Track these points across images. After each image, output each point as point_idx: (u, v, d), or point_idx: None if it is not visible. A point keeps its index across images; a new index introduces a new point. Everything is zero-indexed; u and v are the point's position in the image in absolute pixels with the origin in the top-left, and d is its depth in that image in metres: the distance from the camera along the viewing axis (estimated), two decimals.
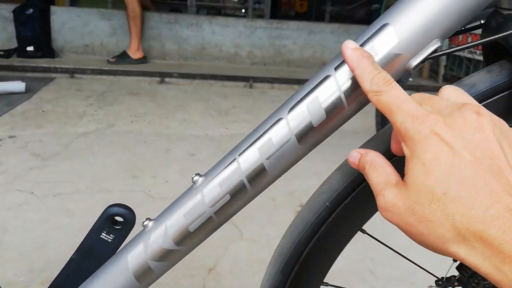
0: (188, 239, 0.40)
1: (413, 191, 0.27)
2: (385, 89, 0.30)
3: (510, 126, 0.41)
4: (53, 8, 3.64)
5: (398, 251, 0.53)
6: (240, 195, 0.38)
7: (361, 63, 0.32)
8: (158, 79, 3.29)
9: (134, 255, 0.41)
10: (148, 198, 1.51)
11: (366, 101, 0.37)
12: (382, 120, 1.50)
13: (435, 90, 3.41)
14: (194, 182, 0.40)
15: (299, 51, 3.97)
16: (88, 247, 0.48)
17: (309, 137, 0.37)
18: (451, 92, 0.32)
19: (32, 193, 1.50)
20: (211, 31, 3.85)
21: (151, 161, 1.84)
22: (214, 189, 0.38)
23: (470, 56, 3.36)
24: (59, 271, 0.48)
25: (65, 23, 3.67)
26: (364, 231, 0.46)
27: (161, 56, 3.85)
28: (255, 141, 0.38)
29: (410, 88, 3.24)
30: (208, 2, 4.93)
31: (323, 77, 0.37)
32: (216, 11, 4.93)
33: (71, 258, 0.48)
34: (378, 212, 0.45)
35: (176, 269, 1.17)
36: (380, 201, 0.29)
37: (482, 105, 0.38)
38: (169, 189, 1.59)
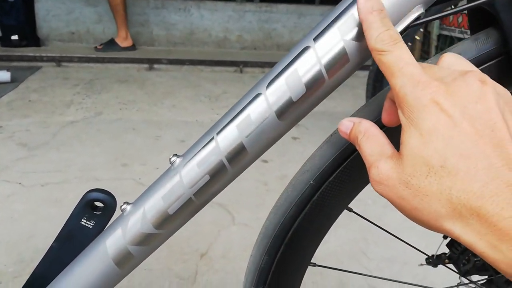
0: (168, 222, 0.38)
1: (409, 163, 0.25)
2: (389, 49, 0.28)
3: None
4: None
5: (389, 231, 0.52)
6: (219, 175, 0.37)
7: (370, 17, 0.30)
8: (146, 65, 3.24)
9: (113, 240, 0.40)
10: (138, 185, 1.50)
11: (347, 74, 0.36)
12: (374, 88, 1.47)
13: None
14: (171, 163, 0.39)
15: (289, 34, 3.92)
16: (68, 234, 0.47)
17: (289, 112, 0.36)
18: (453, 60, 0.30)
19: (19, 183, 1.48)
20: (199, 15, 3.78)
21: (140, 148, 1.82)
22: (192, 169, 0.37)
23: (461, 36, 3.34)
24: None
25: (49, 10, 3.58)
26: (350, 210, 0.45)
27: (149, 42, 3.78)
28: (233, 118, 0.37)
29: None
30: None
31: (302, 49, 0.35)
32: None
33: (51, 245, 0.46)
34: (365, 191, 0.44)
35: (168, 255, 1.16)
36: (373, 173, 0.28)
37: None
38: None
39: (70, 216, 0.47)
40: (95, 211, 0.47)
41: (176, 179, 0.37)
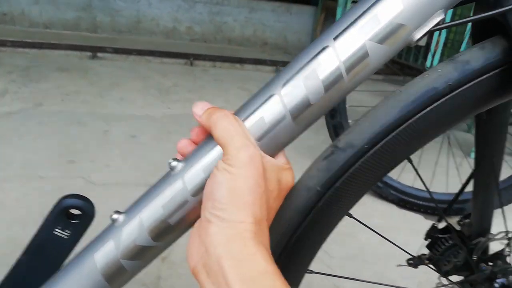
0: (168, 234, 0.35)
1: None
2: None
3: (505, 102, 0.41)
4: None
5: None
6: None
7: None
8: (89, 53, 3.04)
9: (103, 253, 0.35)
10: (89, 184, 1.39)
11: (365, 76, 0.34)
12: (335, 128, 1.52)
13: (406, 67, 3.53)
14: (171, 168, 0.35)
15: (240, 29, 3.89)
16: (39, 247, 0.41)
17: (305, 114, 0.34)
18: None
19: None
20: (147, 3, 3.63)
21: (87, 144, 1.70)
22: (197, 175, 0.34)
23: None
24: (3, 277, 0.41)
25: None
26: (350, 215, 0.44)
27: (92, 29, 3.56)
28: (244, 119, 0.34)
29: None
30: None
31: (321, 48, 0.33)
32: None
33: (18, 260, 0.40)
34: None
35: None
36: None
37: (475, 83, 0.37)
38: (111, 174, 1.48)
39: (41, 225, 0.41)
40: (71, 219, 0.42)
41: (179, 185, 0.34)
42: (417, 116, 0.37)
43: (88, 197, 0.42)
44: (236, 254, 0.28)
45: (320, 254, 1.26)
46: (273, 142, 0.34)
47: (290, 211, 0.40)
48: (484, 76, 0.37)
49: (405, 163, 0.42)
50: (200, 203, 0.33)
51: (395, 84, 3.38)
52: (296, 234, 0.40)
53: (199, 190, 0.34)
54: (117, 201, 1.27)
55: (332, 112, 1.49)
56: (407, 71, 3.41)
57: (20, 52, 2.89)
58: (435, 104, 0.37)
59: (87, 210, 0.42)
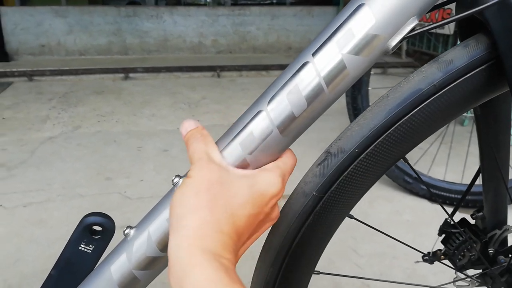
0: None
1: None
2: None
3: (501, 96, 0.41)
4: (2, 9, 3.45)
5: (381, 229, 0.53)
6: None
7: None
8: (122, 75, 3.19)
9: (118, 265, 0.39)
10: (124, 199, 1.47)
11: (347, 86, 0.36)
12: (354, 108, 1.51)
13: (400, 66, 3.47)
14: (174, 184, 0.38)
15: (264, 36, 3.94)
16: (67, 261, 0.46)
17: (292, 127, 0.36)
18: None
19: (0, 205, 1.43)
20: (172, 22, 3.75)
21: (123, 160, 1.79)
22: None
23: (440, 31, 3.43)
24: None
25: (17, 24, 3.48)
26: (352, 217, 0.46)
27: (123, 51, 3.73)
28: (236, 136, 0.36)
29: (375, 65, 3.28)
30: None
31: (301, 64, 0.35)
32: (175, 0, 4.81)
33: (49, 274, 0.45)
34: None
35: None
36: None
37: (461, 81, 0.38)
38: (145, 188, 1.56)
39: (68, 242, 0.46)
40: (94, 235, 0.46)
41: None
42: (405, 118, 0.38)
43: (108, 214, 0.47)
44: (183, 263, 0.28)
45: (348, 252, 1.25)
46: (264, 155, 0.36)
47: (289, 217, 0.42)
48: (470, 74, 0.38)
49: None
50: None
51: None
52: (297, 238, 0.42)
53: None
54: None
55: (354, 96, 1.48)
56: None
57: (59, 80, 3.08)
58: (422, 105, 0.38)
59: (108, 226, 0.46)
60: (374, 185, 0.43)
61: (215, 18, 3.82)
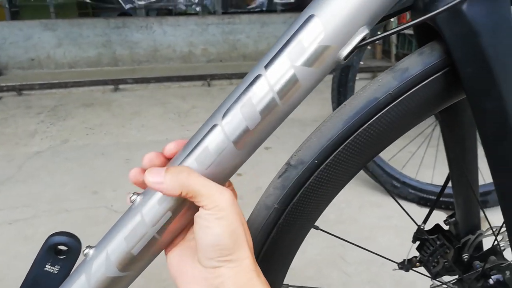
0: (133, 263, 0.37)
1: None
2: None
3: (452, 105, 0.41)
4: None
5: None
6: (182, 211, 0.36)
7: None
8: (111, 87, 3.18)
9: (77, 287, 0.38)
10: (111, 213, 1.46)
11: (301, 98, 0.36)
12: (339, 93, 1.52)
13: None
14: (132, 202, 0.38)
15: (254, 44, 3.95)
16: (33, 282, 0.45)
17: (247, 140, 0.36)
18: None
19: None
20: (162, 32, 3.76)
21: (110, 173, 1.78)
22: (153, 207, 0.36)
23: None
24: None
25: (6, 38, 3.48)
26: (317, 228, 0.45)
27: (113, 63, 3.72)
28: (191, 151, 0.36)
29: (365, 70, 3.29)
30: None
31: (254, 77, 0.35)
32: (166, 10, 4.81)
33: None
34: (340, 194, 0.44)
35: (145, 284, 1.11)
36: None
37: (417, 89, 0.38)
38: None
39: (33, 262, 0.45)
40: (59, 255, 0.45)
41: (138, 218, 0.36)
42: (363, 127, 0.38)
43: (74, 234, 0.46)
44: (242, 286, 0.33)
45: (336, 259, 1.24)
46: (220, 169, 0.36)
47: (252, 230, 0.42)
48: (425, 81, 0.38)
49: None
50: (159, 232, 0.36)
51: None
52: (262, 252, 0.42)
53: (156, 221, 0.36)
54: None
55: (340, 102, 1.49)
56: None
57: (48, 93, 3.07)
58: (379, 114, 0.38)
59: (73, 246, 0.45)
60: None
61: (204, 27, 3.83)
